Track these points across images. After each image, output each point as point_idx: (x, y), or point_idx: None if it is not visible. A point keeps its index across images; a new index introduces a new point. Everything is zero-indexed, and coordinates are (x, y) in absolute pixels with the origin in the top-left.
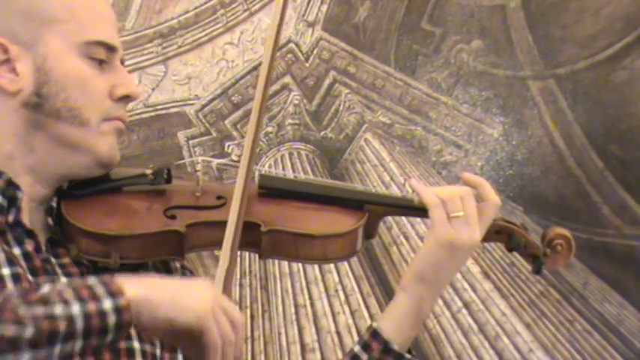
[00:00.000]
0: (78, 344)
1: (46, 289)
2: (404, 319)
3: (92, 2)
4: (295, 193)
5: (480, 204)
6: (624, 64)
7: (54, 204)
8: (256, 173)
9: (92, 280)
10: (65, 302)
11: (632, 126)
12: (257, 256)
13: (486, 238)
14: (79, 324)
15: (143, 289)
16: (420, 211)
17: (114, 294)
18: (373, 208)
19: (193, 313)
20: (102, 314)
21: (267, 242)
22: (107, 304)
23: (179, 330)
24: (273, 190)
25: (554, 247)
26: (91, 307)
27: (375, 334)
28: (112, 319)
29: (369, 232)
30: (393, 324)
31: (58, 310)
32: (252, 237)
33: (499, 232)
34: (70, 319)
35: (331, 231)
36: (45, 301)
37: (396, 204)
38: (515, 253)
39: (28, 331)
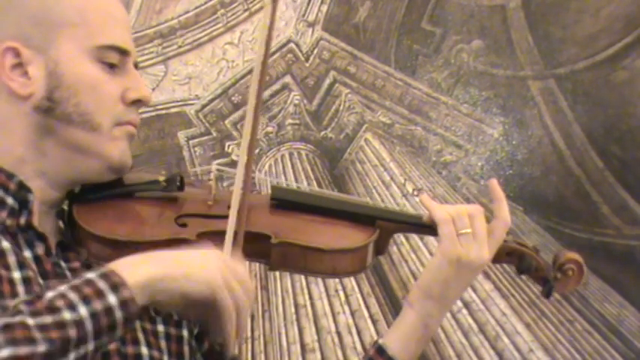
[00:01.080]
0: (90, 346)
1: (49, 294)
2: (410, 335)
3: (105, 5)
4: (307, 206)
5: (490, 223)
6: (624, 64)
7: (65, 207)
8: (268, 184)
9: (93, 274)
10: (71, 306)
11: (632, 126)
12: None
13: (497, 259)
14: (89, 326)
15: (153, 269)
16: (431, 229)
17: (116, 287)
18: (384, 225)
19: (205, 283)
20: (109, 311)
21: (277, 254)
22: (112, 299)
23: (194, 301)
24: (285, 202)
25: (565, 272)
26: (97, 306)
27: (380, 350)
28: (119, 314)
29: (380, 248)
30: (399, 341)
31: (67, 316)
32: (262, 248)
33: (510, 254)
34: (80, 324)
35: (342, 246)
36: (51, 308)
37: (408, 221)
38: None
39: (41, 347)
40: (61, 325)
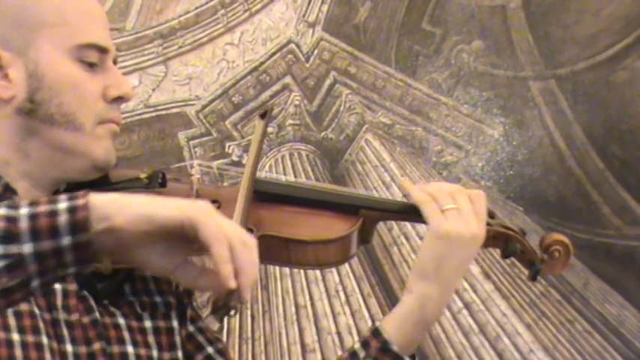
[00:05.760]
0: (26, 247)
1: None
2: (407, 318)
3: (82, 4)
4: (289, 198)
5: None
6: (624, 64)
7: None
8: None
9: None
10: (12, 207)
11: (633, 126)
12: None
13: (483, 244)
14: (23, 224)
15: (118, 195)
16: (415, 215)
17: (73, 197)
18: (368, 213)
19: (176, 207)
20: (52, 213)
21: (259, 248)
22: (61, 205)
23: (162, 228)
24: (266, 195)
25: (552, 253)
26: (41, 208)
27: (376, 332)
28: (63, 217)
29: (365, 237)
30: (396, 323)
31: (1, 210)
32: None
33: (496, 238)
34: (11, 218)
35: (324, 236)
36: None
37: (391, 209)
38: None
39: None
40: None
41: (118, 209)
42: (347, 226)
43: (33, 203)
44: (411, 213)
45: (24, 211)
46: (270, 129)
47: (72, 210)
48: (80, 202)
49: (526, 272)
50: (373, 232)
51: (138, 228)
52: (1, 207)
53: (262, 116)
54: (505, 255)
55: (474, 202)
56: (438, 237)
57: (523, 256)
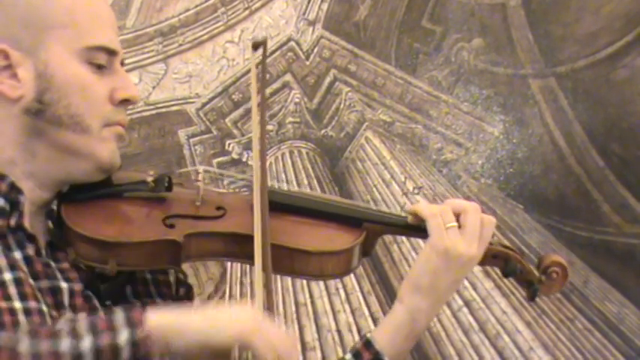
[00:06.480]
0: None
1: (62, 321)
2: (398, 330)
3: (92, 6)
4: (294, 208)
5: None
6: (625, 62)
7: (54, 207)
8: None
9: (117, 309)
10: (75, 336)
11: (633, 124)
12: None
13: (483, 262)
14: (88, 359)
15: (171, 316)
16: (417, 230)
17: (133, 323)
18: (371, 227)
19: (230, 330)
20: (114, 349)
21: None
22: (123, 335)
23: (218, 351)
24: (272, 204)
25: (550, 275)
26: (104, 340)
27: (367, 343)
28: (126, 352)
29: (366, 249)
30: (387, 335)
31: (65, 345)
32: (248, 250)
33: (496, 257)
34: (77, 356)
35: (328, 248)
36: (53, 334)
37: (394, 223)
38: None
39: None
40: (56, 353)
41: (176, 335)
42: (350, 238)
43: (94, 328)
44: (413, 229)
45: (87, 344)
46: (269, 126)
47: (134, 344)
48: (141, 334)
49: (525, 292)
50: (375, 245)
51: (193, 352)
52: (62, 337)
53: (255, 48)
54: (505, 274)
55: (483, 226)
56: (436, 252)
57: (522, 276)
